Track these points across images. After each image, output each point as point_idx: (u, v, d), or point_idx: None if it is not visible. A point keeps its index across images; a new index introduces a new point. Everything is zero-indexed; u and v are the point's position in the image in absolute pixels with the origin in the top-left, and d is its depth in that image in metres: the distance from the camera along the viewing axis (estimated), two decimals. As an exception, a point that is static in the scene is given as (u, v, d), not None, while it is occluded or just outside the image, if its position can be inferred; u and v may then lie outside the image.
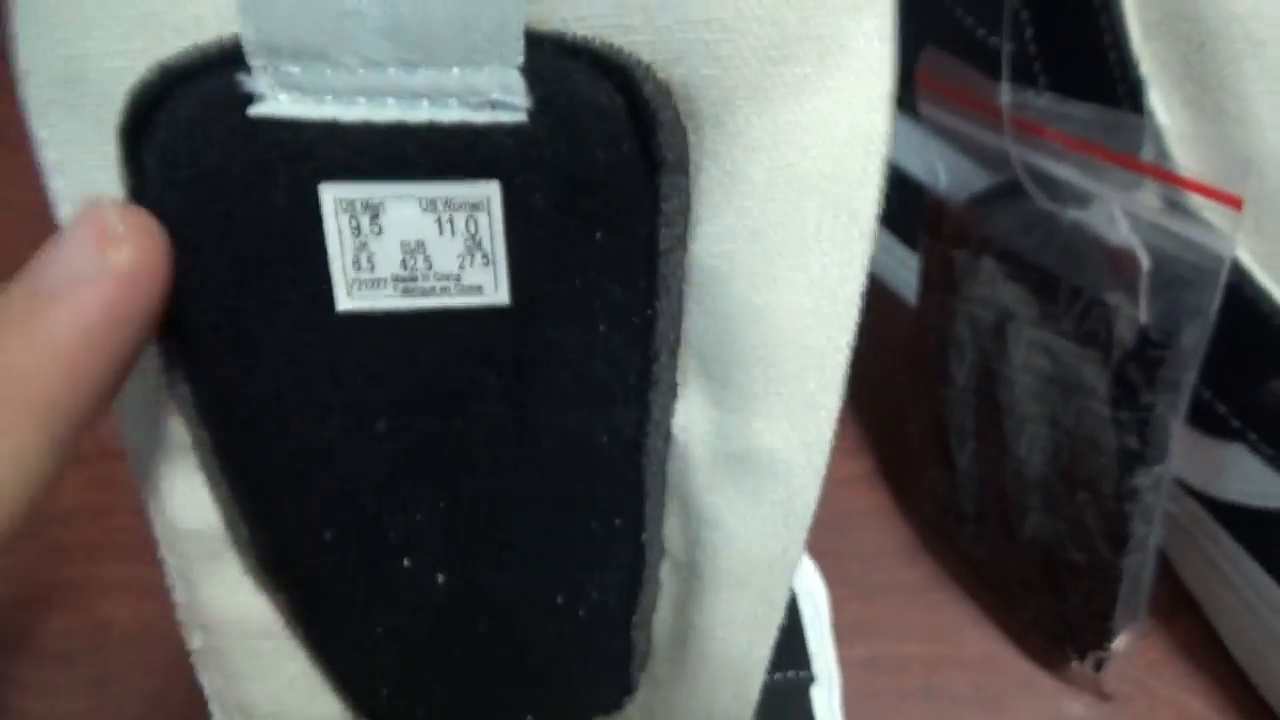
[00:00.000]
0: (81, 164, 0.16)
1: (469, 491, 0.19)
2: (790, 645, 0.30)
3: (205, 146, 0.16)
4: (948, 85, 0.31)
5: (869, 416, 0.41)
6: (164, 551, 0.19)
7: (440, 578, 0.19)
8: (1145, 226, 0.26)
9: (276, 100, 0.15)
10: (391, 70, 0.15)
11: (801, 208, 0.16)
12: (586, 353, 0.17)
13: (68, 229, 0.16)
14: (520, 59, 0.15)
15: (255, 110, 0.15)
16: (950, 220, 0.32)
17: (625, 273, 0.17)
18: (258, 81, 0.15)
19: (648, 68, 0.15)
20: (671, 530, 0.19)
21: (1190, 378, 0.26)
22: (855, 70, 0.16)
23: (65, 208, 0.16)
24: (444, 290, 0.17)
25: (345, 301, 0.17)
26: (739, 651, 0.19)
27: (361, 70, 0.15)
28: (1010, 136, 0.28)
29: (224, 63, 0.15)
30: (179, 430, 0.18)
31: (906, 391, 0.36)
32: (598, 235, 0.16)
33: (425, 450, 0.18)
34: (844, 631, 0.35)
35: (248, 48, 0.15)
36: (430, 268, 0.17)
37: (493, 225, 0.16)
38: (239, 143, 0.16)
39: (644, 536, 0.19)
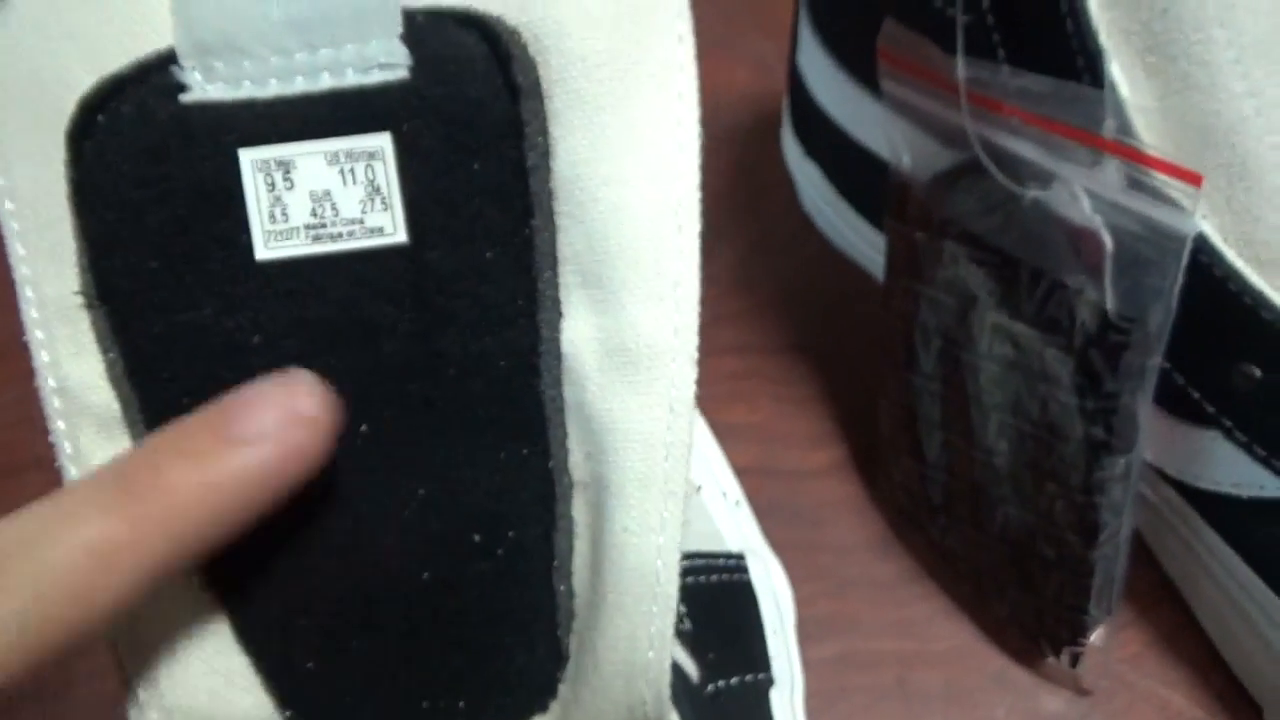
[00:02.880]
0: (27, 163, 0.19)
1: (383, 425, 0.20)
2: (746, 647, 0.29)
3: (145, 131, 0.19)
4: (907, 60, 0.29)
5: (839, 404, 0.40)
6: None
7: (356, 521, 0.21)
8: (1107, 206, 0.25)
9: (203, 90, 0.19)
10: (298, 55, 0.19)
11: (635, 111, 0.19)
12: (477, 279, 0.20)
13: (264, 389, 0.19)
14: (400, 29, 0.19)
15: (186, 98, 0.19)
16: (914, 201, 0.30)
17: (502, 196, 0.19)
18: (188, 77, 0.19)
19: (499, 18, 0.19)
20: (576, 458, 0.21)
21: (1155, 362, 0.24)
22: (660, 9, 0.19)
23: (6, 204, 0.19)
24: (350, 234, 0.20)
25: (263, 251, 0.19)
26: (651, 556, 0.21)
27: (273, 58, 0.19)
28: (968, 113, 0.27)
29: (160, 68, 0.19)
30: (104, 399, 0.20)
31: (876, 379, 0.35)
32: (475, 165, 0.19)
33: (341, 389, 0.20)
34: (813, 628, 0.34)
35: (180, 50, 0.19)
36: (337, 214, 0.19)
37: (388, 171, 0.19)
38: (173, 125, 0.19)
39: (551, 465, 0.21)
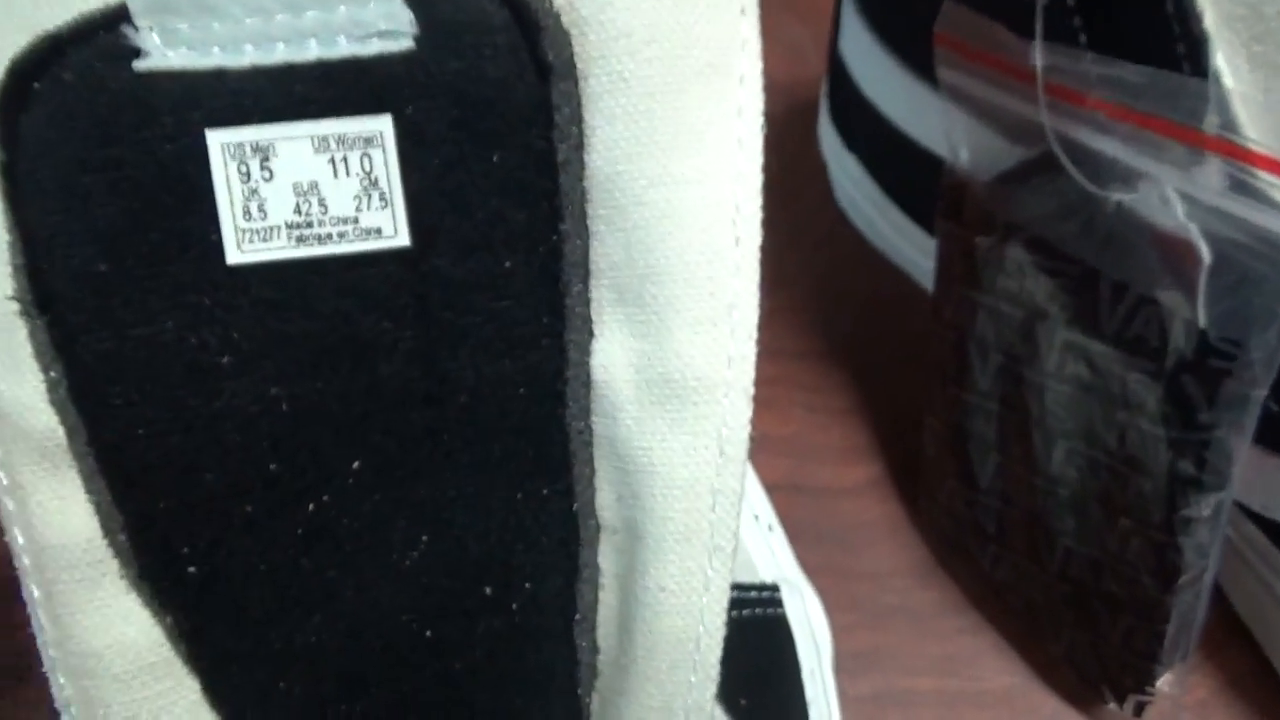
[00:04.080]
0: None
1: (379, 461, 0.17)
2: (782, 691, 0.26)
3: (91, 104, 0.16)
4: (970, 45, 0.26)
5: (877, 415, 0.37)
6: (28, 580, 0.18)
7: (347, 572, 0.18)
8: (1205, 211, 0.22)
9: (164, 56, 0.16)
10: (279, 16, 0.16)
11: (688, 100, 0.16)
12: (494, 291, 0.17)
13: None
14: None
15: (141, 65, 0.16)
16: (973, 202, 0.28)
17: (526, 194, 0.17)
18: (144, 39, 0.16)
19: None
20: (605, 499, 0.18)
21: (1260, 394, 0.22)
22: None
23: None
24: (341, 236, 0.16)
25: (235, 254, 0.16)
26: (691, 620, 0.18)
27: (248, 20, 0.16)
28: (1044, 105, 0.24)
29: (109, 25, 0.16)
30: (46, 423, 0.17)
31: (921, 393, 0.32)
32: (494, 157, 0.16)
33: (329, 417, 0.17)
34: (849, 663, 0.31)
35: (134, 8, 0.16)
36: (325, 212, 0.16)
37: (388, 161, 0.16)
38: (126, 97, 0.16)
39: (575, 506, 0.18)
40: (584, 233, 0.17)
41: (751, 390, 0.17)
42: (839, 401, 0.37)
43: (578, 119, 0.17)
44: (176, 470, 0.17)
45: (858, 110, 0.36)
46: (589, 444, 0.18)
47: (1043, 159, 0.25)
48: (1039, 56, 0.23)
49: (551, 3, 0.16)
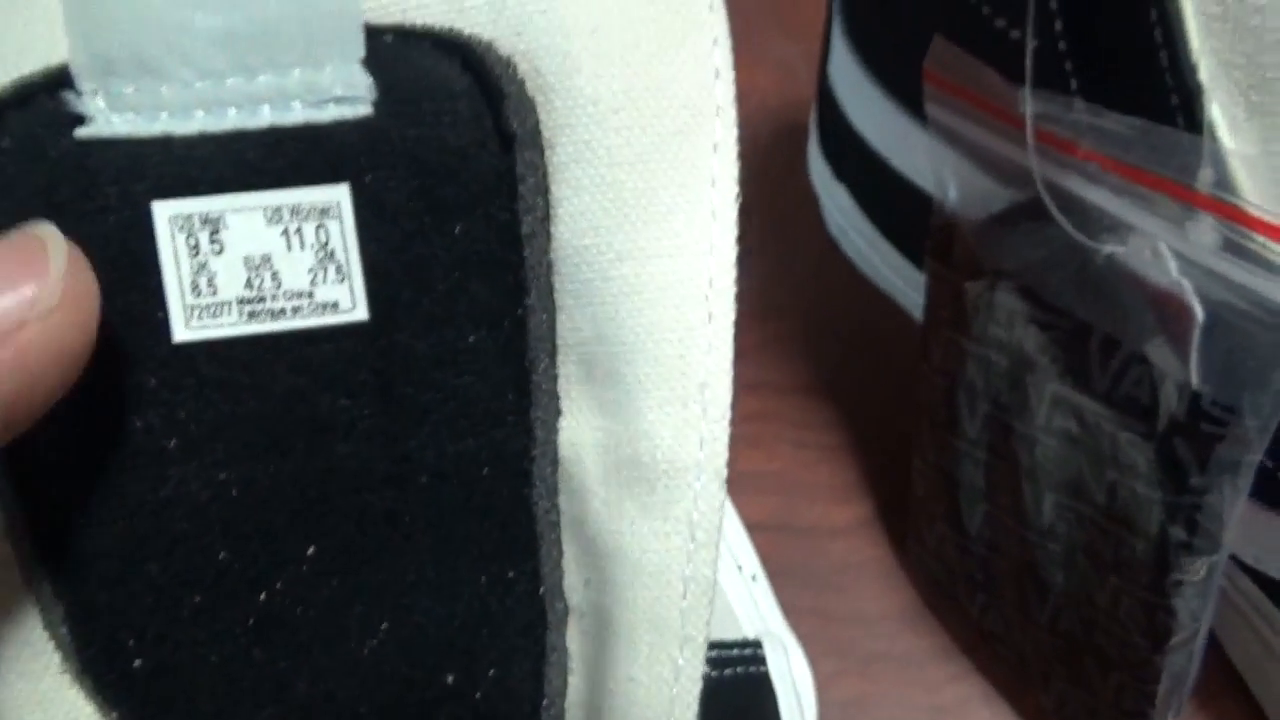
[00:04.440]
0: None
1: (335, 546, 0.17)
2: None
3: (31, 173, 0.15)
4: (959, 85, 0.26)
5: (866, 453, 0.36)
6: None
7: (300, 662, 0.17)
8: (1199, 270, 0.21)
9: (109, 122, 0.15)
10: (230, 80, 0.15)
11: (659, 170, 0.16)
12: (457, 367, 0.16)
13: None
14: (361, 52, 0.15)
15: (84, 132, 0.15)
16: (962, 244, 0.27)
17: (489, 266, 0.16)
18: (87, 104, 0.15)
19: (489, 44, 0.15)
20: (573, 581, 0.18)
21: (1254, 459, 0.21)
22: (696, 40, 0.16)
23: None
24: (295, 310, 0.16)
25: (183, 331, 0.16)
26: (661, 711, 0.17)
27: (198, 83, 0.15)
28: (1034, 152, 0.23)
29: (50, 89, 0.15)
30: None
31: (910, 431, 0.31)
32: (456, 229, 0.16)
33: (283, 501, 0.16)
34: (834, 712, 0.31)
35: (76, 71, 0.15)
36: (279, 286, 0.16)
37: (345, 232, 0.16)
38: (68, 167, 0.15)
39: (542, 590, 0.17)
40: (550, 307, 0.17)
41: (725, 473, 0.17)
42: (828, 438, 0.37)
43: (543, 190, 0.16)
44: (119, 560, 0.16)
45: (846, 140, 0.35)
46: (556, 524, 0.17)
47: (1032, 204, 0.25)
48: (1029, 103, 0.22)
49: (515, 69, 0.16)
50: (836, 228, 0.38)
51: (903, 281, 0.34)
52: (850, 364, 0.38)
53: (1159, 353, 0.22)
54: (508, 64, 0.15)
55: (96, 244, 0.15)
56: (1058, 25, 0.23)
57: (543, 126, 0.16)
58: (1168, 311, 0.22)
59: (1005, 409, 0.26)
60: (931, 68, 0.26)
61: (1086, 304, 0.23)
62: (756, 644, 0.27)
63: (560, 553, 0.17)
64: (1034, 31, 0.22)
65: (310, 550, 0.17)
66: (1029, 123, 0.23)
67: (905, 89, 0.31)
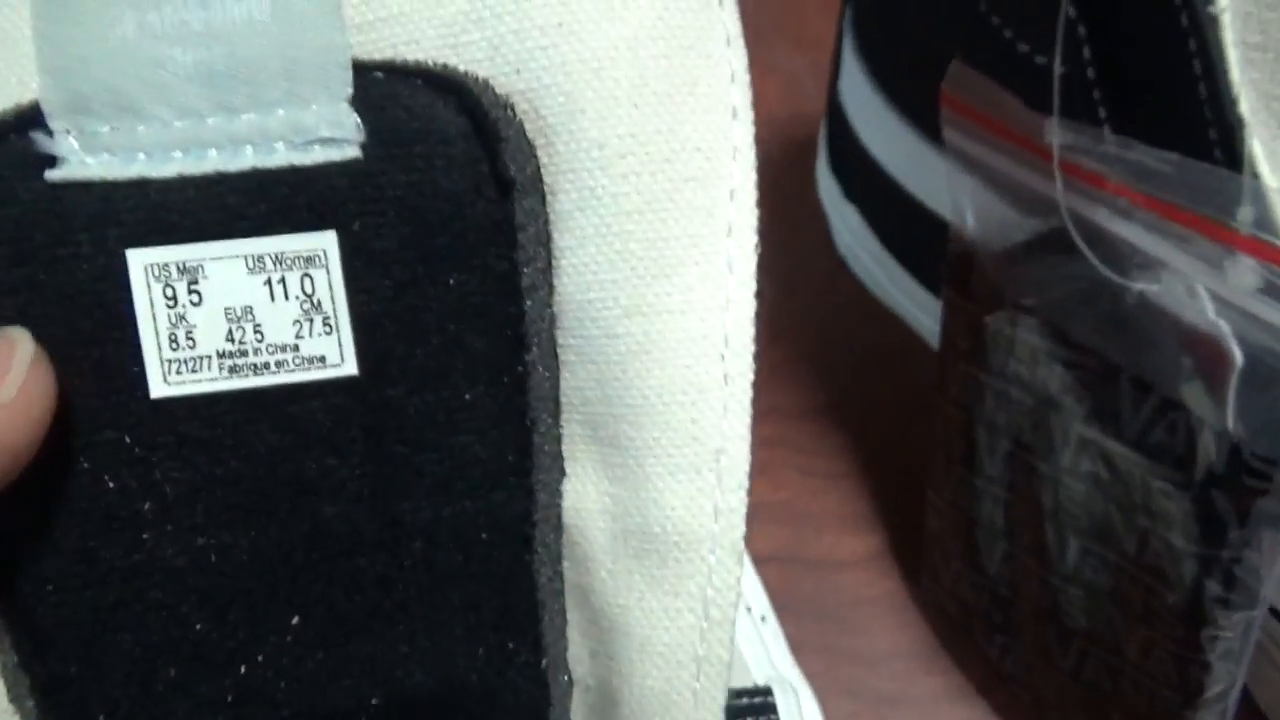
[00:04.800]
0: None
1: (322, 614, 0.16)
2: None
3: (0, 219, 0.14)
4: (980, 111, 0.25)
5: (879, 480, 0.35)
6: None
7: None
8: (1237, 312, 0.20)
9: (82, 164, 0.14)
10: (211, 119, 0.14)
11: (670, 219, 0.15)
12: (453, 426, 0.15)
13: None
14: (348, 90, 0.14)
15: (56, 174, 0.14)
16: (980, 275, 0.26)
17: (487, 320, 0.15)
18: (59, 145, 0.14)
19: (486, 83, 0.15)
20: (577, 652, 0.17)
21: (1297, 513, 0.20)
22: (711, 77, 0.15)
23: None
24: (280, 365, 0.15)
25: (161, 387, 0.15)
26: None
27: (178, 123, 0.14)
28: (1061, 184, 0.22)
29: (20, 128, 0.14)
30: None
31: (926, 458, 0.30)
32: (451, 280, 0.15)
33: (265, 568, 0.15)
34: (846, 756, 0.30)
35: (48, 109, 0.14)
36: (261, 339, 0.15)
37: (331, 282, 0.15)
38: (38, 211, 0.14)
39: (545, 662, 0.17)
40: (553, 363, 0.16)
41: (742, 547, 0.15)
42: (836, 465, 0.35)
43: (544, 239, 0.15)
44: (90, 629, 0.15)
45: (857, 161, 0.34)
46: (560, 592, 0.16)
47: (1056, 236, 0.23)
48: (1056, 134, 0.21)
49: (514, 110, 0.15)
50: (846, 248, 0.37)
51: (916, 306, 0.33)
52: (859, 388, 0.37)
53: (1195, 398, 0.21)
54: (505, 104, 0.15)
55: (70, 292, 0.14)
56: (1086, 53, 0.21)
57: (544, 172, 0.15)
58: (1204, 355, 0.20)
59: (1027, 448, 0.25)
60: (949, 91, 0.25)
61: (1116, 344, 0.22)
62: (767, 691, 0.26)
63: (564, 622, 0.16)
64: (1062, 59, 0.21)
65: (295, 620, 0.16)
66: (1055, 154, 0.22)
67: (921, 112, 0.29)
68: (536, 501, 0.16)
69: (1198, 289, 0.20)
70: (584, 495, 0.16)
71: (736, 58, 0.15)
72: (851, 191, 0.35)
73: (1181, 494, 0.21)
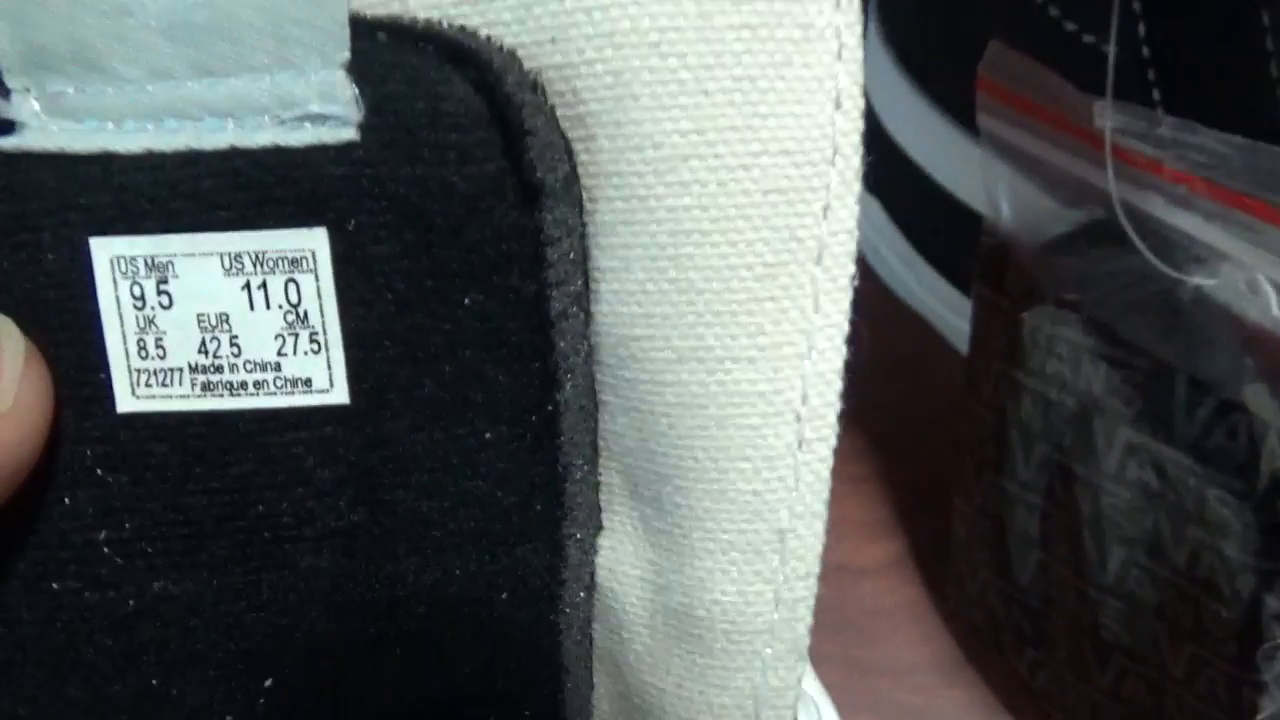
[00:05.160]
0: None
1: (301, 686, 0.14)
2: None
3: None
4: (1020, 94, 0.23)
5: (900, 485, 0.34)
6: None
7: None
8: (1306, 307, 0.18)
9: (44, 131, 0.12)
10: (189, 83, 0.12)
11: (743, 242, 0.12)
12: (469, 469, 0.13)
13: None
14: (345, 54, 0.12)
15: (10, 143, 0.12)
16: (1016, 270, 0.24)
17: (510, 350, 0.13)
18: (18, 107, 0.12)
19: (511, 54, 0.12)
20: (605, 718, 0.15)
21: (1371, 527, 0.18)
22: (810, 53, 0.12)
23: None
24: (258, 386, 0.13)
25: (129, 400, 0.13)
26: None
27: (150, 86, 0.12)
28: (1112, 171, 0.20)
29: None
30: None
31: (949, 465, 0.28)
32: (466, 300, 0.12)
33: (233, 623, 0.13)
34: (867, 774, 0.28)
35: (5, 64, 0.12)
36: (238, 354, 0.13)
37: (321, 290, 0.12)
38: None
39: None
40: (590, 403, 0.13)
41: (806, 643, 0.13)
42: (856, 468, 0.34)
43: (580, 258, 0.12)
44: (36, 673, 0.13)
45: (881, 150, 0.32)
46: (586, 656, 0.14)
47: (1100, 226, 0.22)
48: (1109, 116, 0.20)
49: (545, 91, 0.12)
50: (867, 244, 0.36)
51: (941, 304, 0.32)
52: (880, 389, 0.36)
53: (1258, 401, 0.19)
54: (534, 84, 0.12)
55: (31, 287, 0.12)
56: (1141, 30, 0.20)
57: (581, 173, 0.12)
58: (1268, 354, 0.19)
59: (1067, 452, 0.24)
60: (987, 74, 0.24)
61: (1168, 342, 0.21)
62: (788, 708, 0.25)
63: (590, 689, 0.14)
64: (1117, 38, 0.20)
65: (267, 683, 0.14)
66: (1107, 138, 0.20)
67: (952, 96, 0.28)
68: (567, 558, 0.14)
69: (1260, 283, 0.19)
70: (621, 555, 0.14)
71: (846, 26, 0.12)
72: (874, 183, 0.34)
73: (1241, 504, 0.20)
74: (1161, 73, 0.20)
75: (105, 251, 0.12)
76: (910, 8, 0.30)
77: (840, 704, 0.28)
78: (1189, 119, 0.19)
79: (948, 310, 0.31)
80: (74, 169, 0.12)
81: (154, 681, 0.13)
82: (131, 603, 0.13)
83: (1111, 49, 0.20)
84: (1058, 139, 0.22)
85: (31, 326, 0.13)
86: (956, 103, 0.28)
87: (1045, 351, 0.23)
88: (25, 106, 0.12)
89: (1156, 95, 0.20)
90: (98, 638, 0.13)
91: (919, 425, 0.34)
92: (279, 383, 0.13)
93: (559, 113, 0.12)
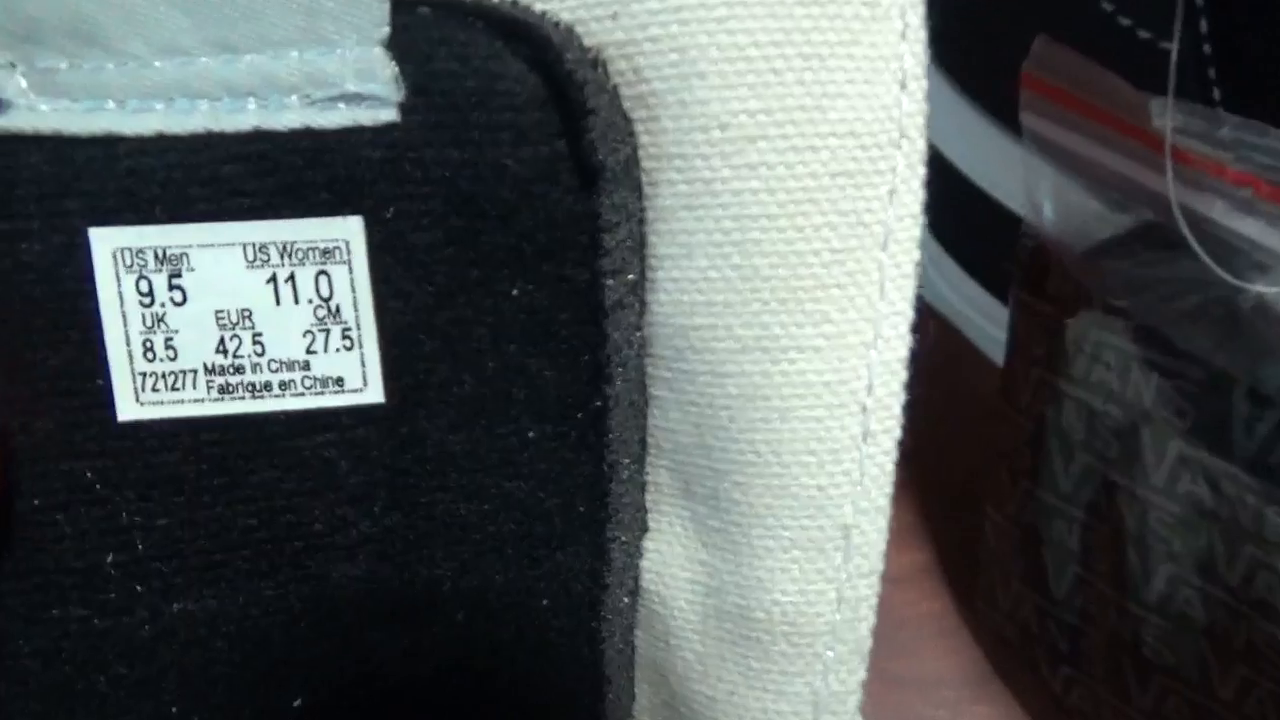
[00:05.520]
0: None
1: (331, 702, 0.13)
2: None
3: None
4: (1068, 91, 0.22)
5: (928, 492, 0.33)
6: None
7: None
8: (1377, 318, 0.18)
9: (32, 110, 0.11)
10: (203, 59, 0.11)
11: (809, 229, 0.12)
12: (509, 470, 0.12)
13: None
14: (385, 30, 0.11)
15: None
16: (1060, 275, 0.24)
17: (558, 343, 0.12)
18: (2, 84, 0.11)
19: (570, 30, 0.11)
20: None
21: None
22: (877, 32, 0.11)
23: None
24: (284, 386, 0.12)
25: (131, 408, 0.12)
26: None
27: (158, 62, 0.11)
28: (1172, 173, 0.20)
29: None
30: None
31: (980, 472, 0.28)
32: (513, 290, 0.12)
33: (260, 641, 0.12)
34: (893, 791, 0.27)
35: None
36: (262, 353, 0.12)
37: (355, 282, 0.12)
38: None
39: None
40: (640, 398, 0.13)
41: (868, 645, 0.13)
42: (881, 474, 0.33)
43: (638, 245, 0.12)
44: (40, 708, 0.13)
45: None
46: (629, 664, 0.14)
47: (1153, 230, 0.21)
48: (1169, 115, 0.19)
49: (607, 69, 0.11)
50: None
51: (973, 309, 0.31)
52: (909, 396, 0.35)
53: (1324, 416, 0.18)
54: (596, 61, 0.11)
55: (14, 282, 0.11)
56: (1203, 26, 0.19)
57: (642, 156, 0.12)
58: (1334, 367, 0.18)
59: (1111, 464, 0.23)
60: (1033, 71, 0.23)
61: (1226, 352, 0.20)
62: None
63: (631, 698, 0.14)
64: (1179, 34, 0.19)
65: (296, 703, 0.13)
66: (1167, 138, 0.19)
67: (990, 93, 0.27)
68: (610, 562, 0.13)
69: (1328, 293, 0.18)
70: (669, 558, 0.13)
71: (910, 6, 0.11)
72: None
73: (1304, 522, 0.19)
74: (1223, 70, 0.19)
75: (107, 243, 0.11)
76: (948, 5, 0.29)
77: (863, 716, 0.27)
78: (1252, 119, 0.19)
79: (981, 316, 0.30)
80: (71, 152, 0.11)
81: (174, 709, 0.13)
82: (147, 627, 0.12)
83: (1175, 45, 0.19)
84: (1109, 138, 0.22)
85: (13, 325, 0.11)
86: (995, 100, 0.27)
87: (1090, 359, 0.23)
88: (10, 84, 0.11)
89: (1217, 94, 0.19)
90: (110, 666, 0.12)
91: (949, 432, 0.33)
92: (308, 382, 0.12)
93: (622, 92, 0.11)
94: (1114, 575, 0.24)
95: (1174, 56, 0.19)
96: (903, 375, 0.12)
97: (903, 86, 0.11)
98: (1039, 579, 0.26)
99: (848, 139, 0.11)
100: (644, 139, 0.12)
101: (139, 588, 0.12)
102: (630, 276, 0.12)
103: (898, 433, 0.12)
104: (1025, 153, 0.24)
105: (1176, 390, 0.21)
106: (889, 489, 0.12)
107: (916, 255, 0.12)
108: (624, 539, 0.13)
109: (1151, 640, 0.23)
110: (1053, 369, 0.24)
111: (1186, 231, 0.20)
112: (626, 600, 0.13)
